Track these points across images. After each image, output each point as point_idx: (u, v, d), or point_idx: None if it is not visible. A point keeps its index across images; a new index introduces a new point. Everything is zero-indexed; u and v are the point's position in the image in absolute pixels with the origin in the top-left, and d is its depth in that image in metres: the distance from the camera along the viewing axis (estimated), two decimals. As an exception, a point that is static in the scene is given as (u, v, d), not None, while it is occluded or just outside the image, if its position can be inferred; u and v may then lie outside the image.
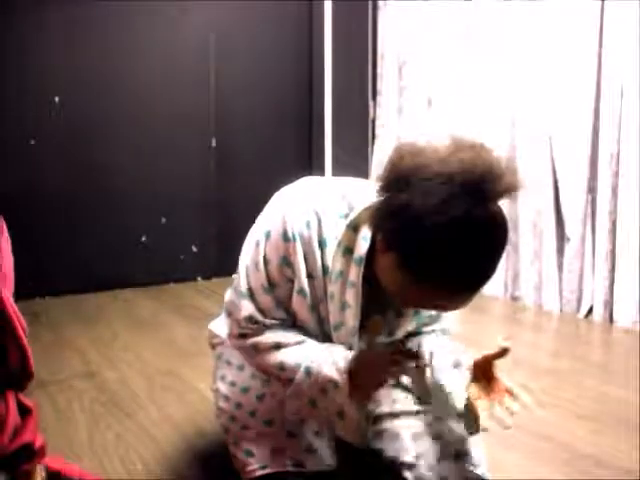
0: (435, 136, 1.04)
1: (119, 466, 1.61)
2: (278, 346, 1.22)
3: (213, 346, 1.53)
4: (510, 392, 1.17)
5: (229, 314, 1.28)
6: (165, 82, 3.67)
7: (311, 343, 1.24)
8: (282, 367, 1.22)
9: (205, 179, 3.88)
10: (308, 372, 1.20)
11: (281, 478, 1.27)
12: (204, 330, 1.59)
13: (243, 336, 1.25)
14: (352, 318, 1.20)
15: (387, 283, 1.07)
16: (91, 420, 1.89)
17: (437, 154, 0.98)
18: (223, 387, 1.40)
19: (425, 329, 1.36)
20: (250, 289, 1.22)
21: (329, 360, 1.19)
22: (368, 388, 1.22)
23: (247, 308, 1.22)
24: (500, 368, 1.23)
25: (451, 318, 1.39)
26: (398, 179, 0.99)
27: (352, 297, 1.18)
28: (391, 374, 1.20)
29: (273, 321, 1.23)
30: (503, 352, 1.19)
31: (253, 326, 1.23)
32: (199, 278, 3.89)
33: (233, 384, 1.38)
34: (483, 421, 1.14)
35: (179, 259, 3.82)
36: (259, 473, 1.29)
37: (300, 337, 1.24)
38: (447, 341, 1.33)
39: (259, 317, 1.22)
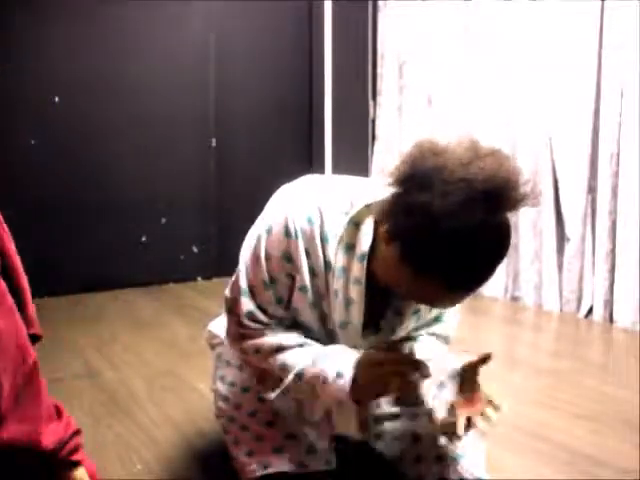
0: (454, 137, 1.04)
1: (119, 466, 1.61)
2: (280, 349, 1.22)
3: (212, 346, 1.53)
4: (491, 402, 1.18)
5: (228, 311, 1.28)
6: (165, 82, 3.67)
7: (313, 346, 1.24)
8: (284, 370, 1.22)
9: (205, 179, 3.88)
10: (311, 377, 1.20)
11: (281, 478, 1.27)
12: (204, 330, 1.59)
13: (242, 337, 1.25)
14: (357, 314, 1.20)
15: (386, 274, 1.08)
16: (91, 420, 1.89)
17: (459, 157, 0.98)
18: (223, 387, 1.40)
19: (425, 331, 1.36)
20: (250, 285, 1.22)
21: (334, 368, 1.19)
22: (370, 395, 1.22)
23: (247, 305, 1.22)
24: (488, 373, 1.23)
25: (451, 324, 1.39)
26: (419, 176, 0.99)
27: (356, 294, 1.18)
28: (395, 386, 1.19)
29: (272, 320, 1.23)
30: (486, 358, 1.19)
31: (253, 325, 1.22)
32: (199, 278, 3.89)
33: (233, 384, 1.38)
34: (460, 430, 1.14)
35: (179, 259, 3.82)
36: (259, 473, 1.28)
37: (301, 339, 1.24)
38: (442, 349, 1.33)
39: (259, 314, 1.22)
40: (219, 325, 1.49)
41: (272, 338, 1.22)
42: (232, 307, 1.26)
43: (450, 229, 0.94)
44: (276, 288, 1.20)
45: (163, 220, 3.75)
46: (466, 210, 0.94)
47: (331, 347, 1.23)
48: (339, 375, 1.18)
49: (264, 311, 1.22)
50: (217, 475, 1.55)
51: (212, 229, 3.91)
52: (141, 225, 3.69)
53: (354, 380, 1.17)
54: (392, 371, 1.16)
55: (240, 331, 1.25)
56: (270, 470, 1.27)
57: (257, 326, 1.23)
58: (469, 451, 1.30)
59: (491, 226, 0.97)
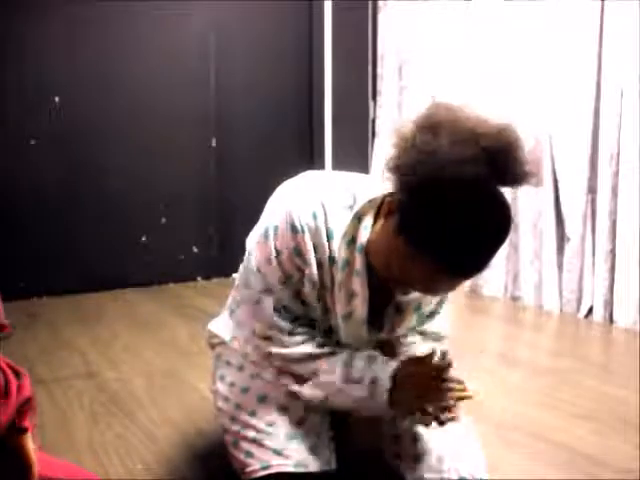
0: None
1: (119, 466, 1.61)
2: (311, 357, 1.24)
3: (212, 346, 1.52)
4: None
5: (255, 315, 1.28)
6: (165, 82, 3.67)
7: (343, 353, 1.25)
8: (316, 373, 1.24)
9: (205, 179, 3.88)
10: (346, 385, 1.22)
11: (281, 479, 1.27)
12: (204, 330, 1.59)
13: (269, 340, 1.26)
14: (360, 307, 1.21)
15: (382, 253, 1.10)
16: (91, 420, 1.89)
17: (471, 116, 1.01)
18: (222, 387, 1.40)
19: (420, 328, 1.36)
20: (268, 285, 1.23)
21: (370, 376, 1.21)
22: (408, 410, 1.23)
23: (271, 302, 1.24)
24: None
25: (442, 321, 1.39)
26: (428, 125, 0.99)
27: (358, 286, 1.19)
28: (436, 402, 1.20)
29: (292, 325, 1.24)
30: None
31: (282, 323, 1.23)
32: (199, 278, 3.88)
33: (232, 384, 1.38)
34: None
35: (179, 259, 3.82)
36: (260, 474, 1.28)
37: (330, 348, 1.26)
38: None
39: (283, 311, 1.23)
40: (219, 325, 1.49)
41: (299, 348, 1.24)
42: (256, 310, 1.26)
43: (451, 178, 0.94)
44: (291, 284, 1.22)
45: (163, 220, 3.74)
46: (469, 161, 0.94)
47: (364, 354, 1.25)
48: (378, 385, 1.20)
49: (285, 308, 1.23)
50: (217, 475, 1.55)
51: (212, 229, 3.91)
52: (141, 225, 3.68)
53: (392, 390, 1.19)
54: (446, 388, 1.19)
55: (269, 333, 1.25)
56: (270, 470, 1.27)
57: (286, 325, 1.23)
58: (469, 451, 1.30)
59: (490, 190, 0.97)
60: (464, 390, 1.20)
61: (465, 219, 0.97)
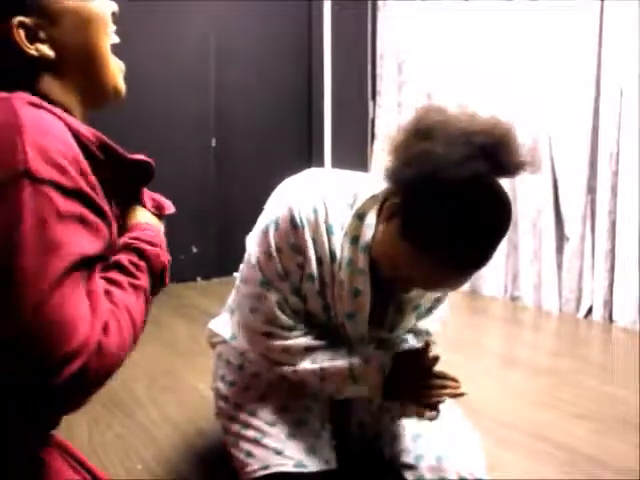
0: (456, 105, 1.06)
1: (119, 466, 1.61)
2: (309, 348, 1.24)
3: (213, 345, 1.53)
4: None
5: (254, 310, 1.28)
6: (165, 82, 3.67)
7: (342, 347, 1.26)
8: (320, 370, 1.24)
9: (205, 179, 3.88)
10: (342, 367, 1.23)
11: (281, 478, 1.27)
12: (204, 330, 1.59)
13: (270, 335, 1.25)
14: (365, 304, 1.21)
15: (388, 257, 1.10)
16: (91, 420, 1.89)
17: (460, 115, 1.01)
18: (223, 387, 1.40)
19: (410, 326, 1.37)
20: (269, 280, 1.23)
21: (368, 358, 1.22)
22: (403, 395, 1.24)
23: (274, 297, 1.23)
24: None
25: (435, 318, 1.39)
26: (422, 128, 1.00)
27: (363, 284, 1.19)
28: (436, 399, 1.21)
29: (292, 321, 1.24)
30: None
31: (284, 318, 1.23)
32: (199, 278, 3.89)
33: (232, 384, 1.38)
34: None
35: (179, 259, 3.82)
36: (259, 473, 1.28)
37: (328, 342, 1.26)
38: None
39: (285, 306, 1.23)
40: (219, 324, 1.49)
41: (300, 340, 1.24)
42: (257, 304, 1.26)
43: (450, 178, 0.95)
44: (290, 279, 1.22)
45: (163, 220, 3.75)
46: (466, 160, 0.95)
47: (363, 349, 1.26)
48: (379, 367, 1.21)
49: (286, 302, 1.23)
50: (217, 475, 1.55)
51: (212, 229, 3.91)
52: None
53: (390, 375, 1.20)
54: (440, 384, 1.19)
55: (269, 329, 1.25)
56: (270, 470, 1.27)
57: (286, 320, 1.24)
58: (469, 451, 1.30)
59: (489, 185, 0.97)
60: (458, 388, 1.21)
61: (467, 217, 0.98)
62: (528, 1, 3.28)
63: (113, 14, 0.91)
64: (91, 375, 0.68)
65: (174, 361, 2.42)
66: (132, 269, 0.85)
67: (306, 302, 1.24)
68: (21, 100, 0.75)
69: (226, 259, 3.69)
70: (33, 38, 0.80)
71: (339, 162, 4.12)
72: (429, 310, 1.37)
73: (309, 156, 4.20)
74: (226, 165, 3.92)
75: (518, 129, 1.02)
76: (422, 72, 3.88)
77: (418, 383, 1.21)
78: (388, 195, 1.10)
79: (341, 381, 1.24)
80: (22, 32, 0.79)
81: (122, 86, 0.96)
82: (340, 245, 1.18)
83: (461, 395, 1.21)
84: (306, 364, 1.24)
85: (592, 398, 2.10)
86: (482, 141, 0.96)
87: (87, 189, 0.74)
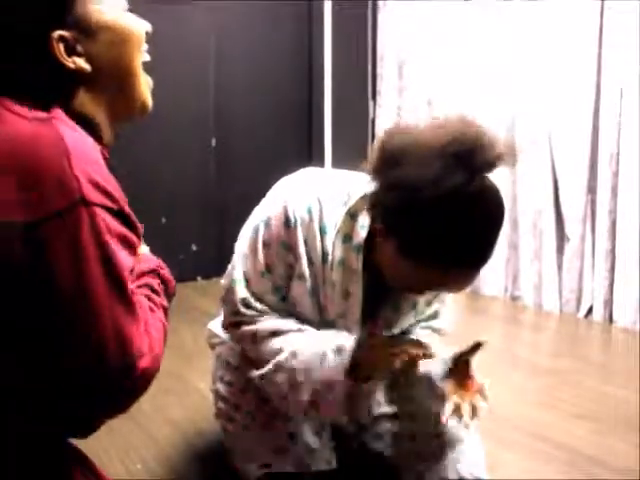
0: (418, 118, 1.06)
1: (119, 466, 1.61)
2: (277, 332, 1.21)
3: (212, 346, 1.53)
4: (481, 392, 1.18)
5: (223, 300, 1.28)
6: (165, 82, 3.65)
7: (310, 330, 1.23)
8: (279, 352, 1.20)
9: (205, 179, 3.88)
10: (309, 355, 1.19)
11: (281, 479, 1.27)
12: (204, 330, 1.59)
13: (237, 325, 1.25)
14: (356, 306, 1.21)
15: (389, 271, 1.10)
16: (91, 420, 1.89)
17: (425, 130, 1.01)
18: (222, 388, 1.40)
19: (421, 325, 1.37)
20: (245, 274, 1.22)
21: (333, 344, 1.19)
22: (371, 372, 1.21)
23: (242, 292, 1.22)
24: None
25: (447, 318, 1.39)
26: (390, 155, 1.00)
27: (354, 285, 1.18)
28: (399, 363, 1.18)
29: (266, 308, 1.22)
30: (476, 347, 1.20)
31: (247, 312, 1.22)
32: (199, 278, 3.88)
33: (231, 384, 1.38)
34: (447, 413, 1.15)
35: (179, 259, 3.82)
36: (259, 474, 1.28)
37: (298, 325, 1.23)
38: (435, 340, 1.34)
39: (254, 302, 1.22)
40: (219, 325, 1.49)
41: (268, 323, 1.22)
42: (227, 295, 1.26)
43: (433, 197, 0.95)
44: (273, 277, 1.21)
45: (163, 220, 3.74)
46: (444, 174, 0.95)
47: (328, 331, 1.23)
48: (339, 350, 1.17)
49: (259, 299, 1.22)
50: (217, 475, 1.55)
51: (212, 229, 3.91)
52: (141, 225, 3.68)
53: (354, 358, 1.17)
54: (397, 350, 1.16)
55: (235, 319, 1.24)
56: (270, 470, 1.28)
57: (252, 313, 1.22)
58: (469, 451, 1.30)
59: (473, 190, 0.97)
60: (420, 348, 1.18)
61: (460, 226, 0.98)
62: (528, 1, 3.28)
63: (147, 33, 0.93)
64: (150, 376, 0.79)
65: (174, 361, 2.42)
66: (160, 291, 0.96)
67: (297, 303, 1.23)
68: (62, 122, 0.77)
69: (226, 259, 3.67)
70: (71, 51, 0.81)
71: (339, 162, 4.12)
72: (436, 310, 1.36)
73: (309, 156, 4.20)
74: (226, 165, 3.92)
75: (486, 123, 1.02)
76: (423, 72, 3.88)
77: (383, 352, 1.18)
78: (370, 206, 1.09)
79: (309, 362, 1.19)
80: (61, 45, 0.80)
81: (150, 102, 1.00)
82: (332, 244, 1.17)
83: (428, 357, 1.18)
84: (274, 347, 1.20)
85: (592, 398, 2.10)
86: (454, 151, 0.96)
87: (128, 209, 0.81)
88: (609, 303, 3.03)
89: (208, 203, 3.89)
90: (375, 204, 1.05)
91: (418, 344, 1.19)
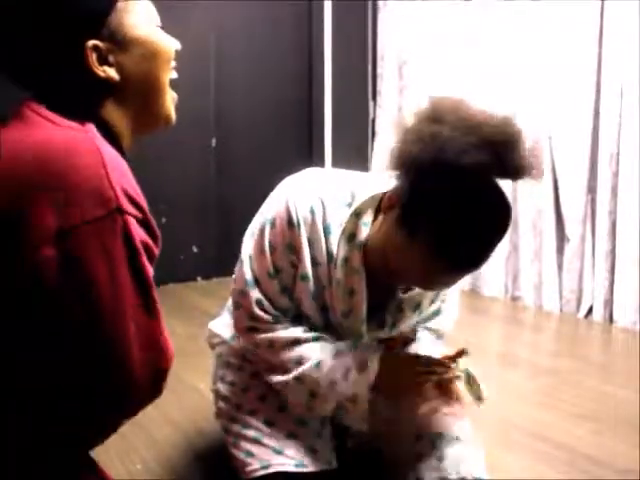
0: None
1: (119, 466, 1.61)
2: (296, 342, 1.23)
3: (212, 346, 1.53)
4: (461, 399, 1.25)
5: (236, 305, 1.28)
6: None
7: (329, 340, 1.24)
8: (300, 362, 1.22)
9: (205, 179, 3.88)
10: (331, 366, 1.21)
11: (281, 478, 1.27)
12: (204, 330, 1.59)
13: (253, 330, 1.25)
14: (360, 304, 1.21)
15: (384, 247, 1.10)
16: (91, 420, 1.89)
17: (473, 107, 1.02)
18: (222, 387, 1.40)
19: (421, 326, 1.37)
20: (255, 277, 1.22)
21: (357, 359, 1.20)
22: (397, 392, 1.24)
23: (255, 295, 1.23)
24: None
25: (448, 318, 1.39)
26: (434, 111, 1.01)
27: (357, 283, 1.18)
28: (430, 386, 1.20)
29: (278, 312, 1.23)
30: (460, 354, 1.22)
31: (265, 315, 1.22)
32: (199, 278, 3.89)
33: (232, 384, 1.38)
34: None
35: (179, 259, 3.82)
36: (260, 473, 1.28)
37: (316, 334, 1.24)
38: (439, 346, 1.34)
39: (267, 304, 1.22)
40: (219, 324, 1.49)
41: (286, 332, 1.23)
42: (240, 299, 1.26)
43: (454, 165, 0.95)
44: (281, 278, 1.21)
45: (163, 220, 3.74)
46: (473, 149, 0.95)
47: (347, 342, 1.24)
48: (362, 367, 1.19)
49: (271, 301, 1.23)
50: (217, 475, 1.55)
51: (212, 229, 3.91)
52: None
53: (378, 376, 1.19)
54: (423, 378, 1.18)
55: (251, 324, 1.25)
56: (270, 470, 1.27)
57: (267, 317, 1.23)
58: (469, 451, 1.30)
59: (492, 182, 0.98)
60: (447, 372, 1.20)
61: (465, 210, 0.98)
62: (528, 1, 3.28)
63: (176, 51, 0.96)
64: (167, 375, 0.87)
65: (174, 361, 2.42)
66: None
67: (300, 303, 1.24)
68: (95, 134, 0.80)
69: (226, 259, 3.68)
70: (103, 61, 0.84)
71: (339, 162, 4.12)
72: (437, 310, 1.36)
73: (309, 156, 4.20)
74: (226, 165, 3.92)
75: (527, 132, 1.02)
76: (423, 72, 3.88)
77: (409, 373, 1.20)
78: (389, 190, 1.11)
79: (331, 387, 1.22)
80: (94, 55, 0.83)
81: (173, 117, 1.02)
82: (337, 243, 1.18)
83: (452, 380, 1.20)
84: (294, 355, 1.22)
85: (592, 398, 2.10)
86: (489, 134, 0.96)
87: (151, 219, 0.83)
88: (609, 303, 3.03)
89: (208, 203, 3.89)
90: (396, 156, 1.04)
91: (441, 364, 1.20)
